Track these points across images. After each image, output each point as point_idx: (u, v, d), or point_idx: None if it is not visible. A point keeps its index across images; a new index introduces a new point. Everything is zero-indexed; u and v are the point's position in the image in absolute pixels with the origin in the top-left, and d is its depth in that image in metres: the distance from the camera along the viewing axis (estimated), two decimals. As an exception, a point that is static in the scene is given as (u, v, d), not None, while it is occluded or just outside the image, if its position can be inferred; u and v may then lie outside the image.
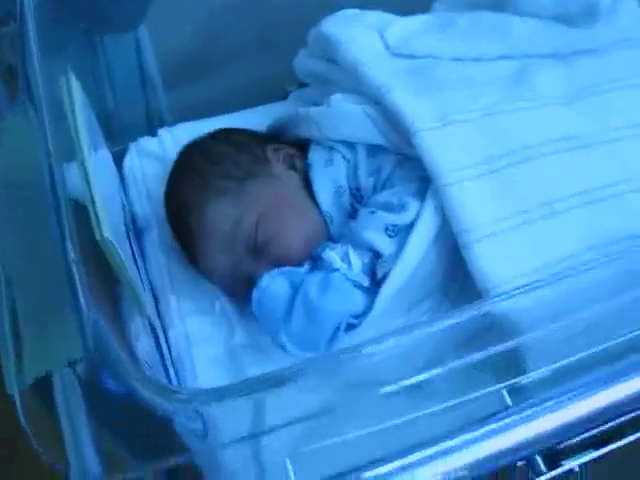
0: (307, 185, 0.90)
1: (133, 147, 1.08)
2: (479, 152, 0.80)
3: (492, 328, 0.69)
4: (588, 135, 0.84)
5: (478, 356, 0.65)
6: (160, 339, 0.83)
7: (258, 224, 0.84)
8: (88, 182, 0.68)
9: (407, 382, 0.63)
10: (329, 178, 0.88)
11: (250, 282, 0.82)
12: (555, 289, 0.68)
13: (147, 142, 1.09)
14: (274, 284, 0.81)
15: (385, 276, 0.78)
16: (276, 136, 0.97)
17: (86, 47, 1.06)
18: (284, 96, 1.12)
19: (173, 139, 1.06)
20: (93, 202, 0.67)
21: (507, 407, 0.67)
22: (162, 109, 1.16)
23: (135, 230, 1.00)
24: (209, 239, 0.87)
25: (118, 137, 1.12)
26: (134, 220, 1.01)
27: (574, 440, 0.83)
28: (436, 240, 0.79)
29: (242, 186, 0.87)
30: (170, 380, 0.79)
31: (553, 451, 0.83)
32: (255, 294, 0.81)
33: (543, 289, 0.67)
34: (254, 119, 1.04)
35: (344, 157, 0.88)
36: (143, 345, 0.76)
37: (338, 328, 0.78)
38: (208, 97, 1.13)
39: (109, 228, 0.66)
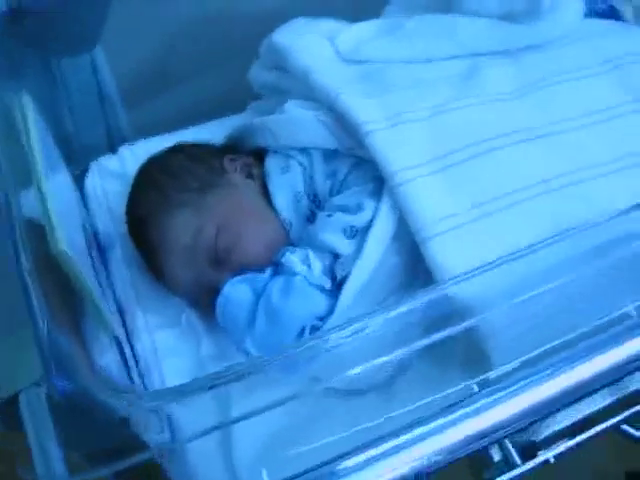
0: (265, 193, 0.90)
1: (94, 166, 1.08)
2: (430, 150, 0.81)
3: (454, 317, 0.69)
4: (539, 127, 0.85)
5: (438, 336, 0.64)
6: (126, 353, 0.82)
7: (218, 233, 0.85)
8: (43, 199, 0.68)
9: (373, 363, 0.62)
10: (286, 185, 0.88)
11: (214, 292, 0.82)
12: (512, 269, 0.69)
13: (107, 160, 1.09)
14: (236, 291, 0.81)
15: (346, 277, 0.78)
16: (233, 147, 0.97)
17: (42, 69, 1.06)
18: (244, 109, 1.13)
19: (133, 156, 1.06)
20: (49, 217, 0.67)
21: (474, 393, 0.67)
22: (123, 128, 1.16)
23: (99, 248, 1.00)
24: (171, 252, 0.87)
25: (80, 158, 1.12)
26: (97, 238, 1.01)
27: (549, 431, 0.84)
28: (394, 239, 0.79)
29: (201, 197, 0.87)
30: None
31: (529, 443, 0.83)
32: (218, 302, 0.81)
33: (498, 269, 0.68)
34: (213, 132, 1.04)
35: (300, 163, 0.88)
36: (108, 360, 0.76)
37: (302, 331, 0.78)
38: (168, 113, 1.13)
39: (65, 242, 0.66)
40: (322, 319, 0.79)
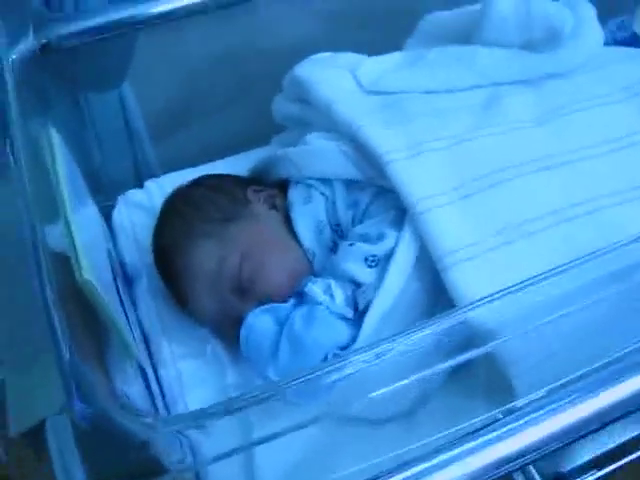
0: (289, 223, 0.90)
1: (121, 199, 1.09)
2: (451, 178, 0.81)
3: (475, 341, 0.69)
4: (557, 155, 0.85)
5: (459, 359, 0.64)
6: (151, 383, 0.83)
7: (242, 263, 0.85)
8: (69, 229, 0.69)
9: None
10: (309, 215, 0.89)
11: (239, 322, 0.83)
12: (532, 295, 0.68)
13: (134, 194, 1.10)
14: (259, 321, 0.81)
15: (367, 306, 0.78)
16: (257, 179, 0.98)
17: (71, 104, 1.08)
18: (268, 143, 1.14)
19: (159, 189, 1.08)
20: (74, 247, 0.68)
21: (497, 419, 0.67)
22: (150, 162, 1.18)
23: (126, 279, 1.01)
24: (195, 280, 0.87)
25: (108, 191, 1.14)
26: (124, 269, 1.02)
27: (577, 462, 0.82)
28: (416, 267, 0.79)
29: (225, 228, 0.88)
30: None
31: (556, 474, 0.82)
32: (242, 332, 0.82)
33: (518, 294, 0.67)
34: (238, 166, 1.05)
35: (322, 193, 0.89)
36: (133, 390, 0.77)
37: (325, 360, 0.78)
38: (194, 147, 1.14)
39: (90, 271, 0.67)
40: (344, 348, 0.78)
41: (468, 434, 0.63)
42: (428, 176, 0.81)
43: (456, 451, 0.62)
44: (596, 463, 0.81)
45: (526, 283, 0.68)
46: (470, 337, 0.66)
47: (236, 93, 1.16)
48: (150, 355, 0.93)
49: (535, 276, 0.66)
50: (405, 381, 0.59)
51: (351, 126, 0.85)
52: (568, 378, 0.69)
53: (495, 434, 0.63)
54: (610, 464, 0.81)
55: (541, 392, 0.69)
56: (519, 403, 0.69)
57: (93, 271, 0.68)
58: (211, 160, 1.13)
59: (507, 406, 0.68)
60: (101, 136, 1.14)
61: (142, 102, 1.15)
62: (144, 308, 0.97)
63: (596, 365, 0.69)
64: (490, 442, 0.62)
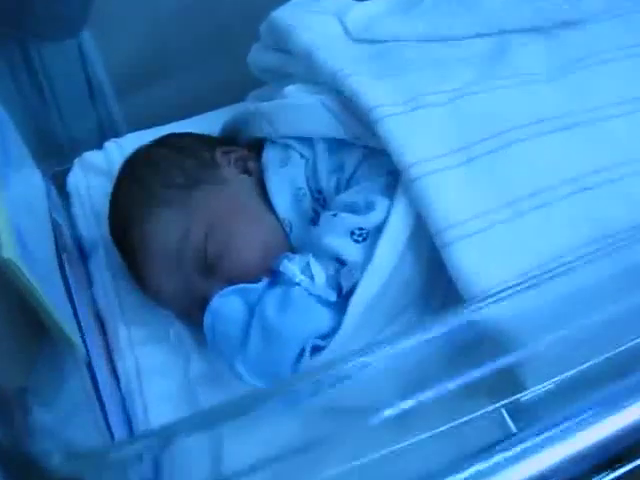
0: (262, 190, 0.76)
1: (77, 162, 0.94)
2: (453, 138, 0.67)
3: (481, 341, 0.56)
4: (575, 114, 0.71)
5: (472, 375, 0.53)
6: (100, 375, 0.69)
7: (208, 236, 0.71)
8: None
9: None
10: (286, 180, 0.74)
11: (204, 305, 0.69)
12: (550, 287, 0.56)
13: (92, 156, 0.95)
14: (227, 304, 0.67)
15: (353, 288, 0.64)
16: (229, 139, 0.84)
17: (21, 58, 0.93)
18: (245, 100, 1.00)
19: (120, 150, 0.92)
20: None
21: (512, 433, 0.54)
22: (115, 121, 1.03)
23: (81, 253, 0.87)
24: (154, 257, 0.73)
25: (68, 155, 0.99)
26: (80, 243, 0.87)
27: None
28: (410, 243, 0.65)
29: (188, 195, 0.74)
30: (108, 423, 0.65)
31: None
32: (206, 317, 0.68)
33: (536, 289, 0.55)
34: (211, 125, 0.90)
35: (301, 155, 0.74)
36: (74, 387, 0.63)
37: (302, 352, 0.64)
38: (163, 104, 0.99)
39: (14, 248, 0.53)
40: (325, 338, 0.65)
41: (479, 452, 0.51)
42: (426, 135, 0.66)
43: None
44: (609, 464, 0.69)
45: (545, 275, 0.55)
46: (478, 337, 0.53)
47: (210, 43, 1.01)
48: (106, 341, 0.79)
49: (561, 262, 0.53)
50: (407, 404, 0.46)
51: (336, 75, 0.70)
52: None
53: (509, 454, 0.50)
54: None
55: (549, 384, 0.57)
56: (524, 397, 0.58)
57: (19, 248, 0.54)
58: (182, 118, 0.98)
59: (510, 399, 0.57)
60: (58, 92, 0.99)
61: (105, 53, 1.00)
62: (100, 286, 0.83)
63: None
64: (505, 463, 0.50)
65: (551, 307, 0.56)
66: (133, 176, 0.78)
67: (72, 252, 0.82)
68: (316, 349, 0.64)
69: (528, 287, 0.56)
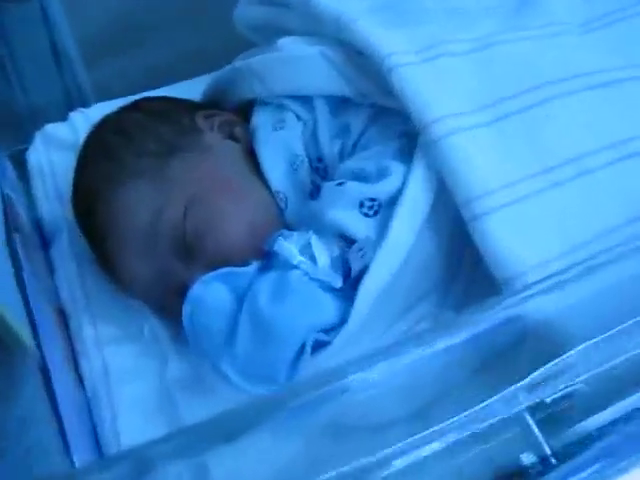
0: (252, 158, 0.64)
1: (39, 136, 0.82)
2: (480, 92, 0.57)
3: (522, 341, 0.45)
4: (614, 70, 0.61)
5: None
6: (57, 385, 0.57)
7: (187, 213, 0.59)
8: None
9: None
10: (280, 145, 0.62)
11: (182, 294, 0.57)
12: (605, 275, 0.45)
13: (55, 128, 0.82)
14: (210, 293, 0.55)
15: (364, 271, 0.53)
16: (212, 104, 0.71)
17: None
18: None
19: (87, 122, 0.78)
20: None
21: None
22: (83, 91, 0.90)
23: (43, 238, 0.75)
24: (123, 238, 0.61)
25: (30, 131, 0.87)
26: (41, 226, 0.75)
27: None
28: (431, 216, 0.54)
29: (164, 164, 0.61)
30: (65, 440, 0.53)
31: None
32: (185, 309, 0.56)
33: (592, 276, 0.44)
34: (190, 93, 0.77)
35: (298, 117, 0.63)
36: (28, 394, 0.51)
37: (302, 349, 0.53)
38: (138, 72, 0.87)
39: None
40: (329, 331, 0.53)
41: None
42: (449, 87, 0.56)
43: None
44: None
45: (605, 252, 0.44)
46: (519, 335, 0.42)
47: (184, 10, 0.89)
48: (69, 340, 0.67)
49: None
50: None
51: (340, 19, 0.59)
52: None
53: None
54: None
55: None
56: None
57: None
58: (155, 88, 0.85)
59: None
60: (18, 59, 0.87)
61: (72, 17, 0.87)
62: (63, 276, 0.70)
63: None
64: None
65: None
66: (99, 145, 0.66)
67: (31, 237, 0.70)
68: (318, 345, 0.53)
69: (582, 273, 0.45)
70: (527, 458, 0.51)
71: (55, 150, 0.80)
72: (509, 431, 0.47)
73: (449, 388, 0.43)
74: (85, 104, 0.89)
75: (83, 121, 0.80)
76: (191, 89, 0.80)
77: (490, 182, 0.52)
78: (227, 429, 0.38)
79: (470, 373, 0.44)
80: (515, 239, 0.51)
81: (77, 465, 0.52)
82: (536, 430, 0.48)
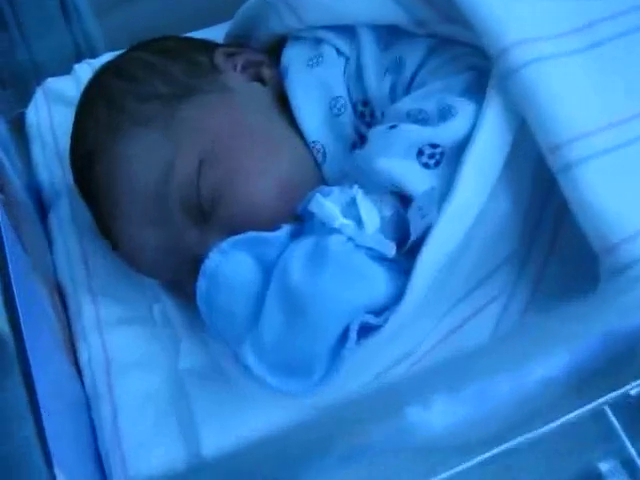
0: (283, 103, 0.53)
1: (39, 92, 0.71)
2: (568, 12, 0.44)
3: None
4: None
5: None
6: (41, 371, 0.46)
7: (201, 168, 0.48)
8: None
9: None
10: (317, 86, 0.51)
11: (199, 265, 0.46)
12: None
13: (57, 82, 0.71)
14: (230, 264, 0.44)
15: (424, 237, 0.41)
16: (237, 45, 0.60)
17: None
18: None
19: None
20: None
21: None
22: (95, 44, 0.80)
23: (41, 206, 0.64)
24: (127, 201, 0.50)
25: (34, 88, 0.76)
26: (40, 192, 0.65)
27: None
28: (509, 167, 0.42)
29: (174, 110, 0.50)
30: (46, 452, 0.42)
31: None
32: (200, 284, 0.45)
33: None
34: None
35: (339, 52, 0.51)
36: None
37: (345, 334, 0.41)
38: (153, 20, 0.76)
39: None
40: (380, 313, 0.42)
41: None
42: (531, 4, 0.43)
43: None
44: None
45: None
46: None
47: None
48: (67, 318, 0.57)
49: None
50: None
51: None
52: None
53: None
54: None
55: None
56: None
57: None
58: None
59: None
60: (21, 13, 0.76)
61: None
62: (61, 248, 0.60)
63: None
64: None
65: None
66: (99, 90, 0.55)
67: (24, 205, 0.59)
68: (366, 329, 0.41)
69: None
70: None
71: (57, 107, 0.69)
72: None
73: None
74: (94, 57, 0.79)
75: (90, 74, 0.69)
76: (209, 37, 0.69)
77: (585, 122, 0.40)
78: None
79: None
80: (619, 194, 0.39)
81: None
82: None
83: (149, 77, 0.52)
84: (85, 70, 0.70)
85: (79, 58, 0.80)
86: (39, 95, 0.71)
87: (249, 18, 0.58)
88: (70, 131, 0.61)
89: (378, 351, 0.42)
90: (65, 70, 0.78)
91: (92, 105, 0.55)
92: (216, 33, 0.66)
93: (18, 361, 0.43)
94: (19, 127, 0.75)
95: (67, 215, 0.62)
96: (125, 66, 0.55)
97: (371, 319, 0.41)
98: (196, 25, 0.75)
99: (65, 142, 0.65)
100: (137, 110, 0.51)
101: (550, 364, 0.30)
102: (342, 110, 0.50)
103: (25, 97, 0.78)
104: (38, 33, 0.79)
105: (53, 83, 0.71)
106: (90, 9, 0.79)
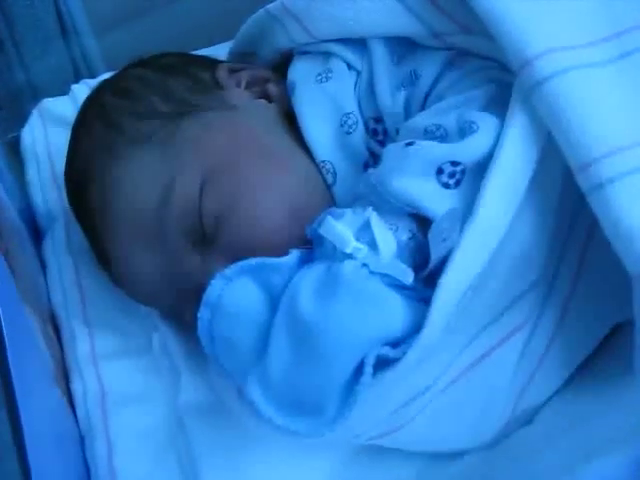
0: (290, 121, 0.50)
1: (35, 114, 0.68)
2: (598, 19, 0.41)
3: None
4: None
5: None
6: (28, 404, 0.42)
7: (204, 190, 0.45)
8: None
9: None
10: (326, 102, 0.48)
11: (199, 294, 0.42)
12: None
13: (54, 103, 0.69)
14: (235, 292, 0.40)
15: (444, 263, 0.38)
16: (241, 62, 0.57)
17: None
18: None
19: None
20: None
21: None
22: (94, 64, 0.78)
23: (36, 230, 0.61)
24: (124, 224, 0.47)
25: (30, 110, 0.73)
26: (34, 215, 0.62)
27: None
28: (534, 186, 0.39)
29: (175, 128, 0.47)
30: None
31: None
32: (202, 314, 0.41)
33: None
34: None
35: (349, 65, 0.48)
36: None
37: (359, 369, 0.37)
38: (152, 42, 0.74)
39: None
40: (398, 345, 0.38)
41: None
42: (557, 12, 0.40)
43: None
44: None
45: None
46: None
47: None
48: (61, 351, 0.53)
49: None
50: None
51: None
52: None
53: None
54: None
55: None
56: None
57: None
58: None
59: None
60: (19, 32, 0.74)
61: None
62: (55, 273, 0.57)
63: None
64: None
65: None
66: (96, 107, 0.52)
67: (17, 229, 0.56)
68: (383, 363, 0.38)
69: None
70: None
71: (54, 128, 0.67)
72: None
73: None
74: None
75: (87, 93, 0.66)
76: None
77: (621, 135, 0.37)
78: None
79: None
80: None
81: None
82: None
83: (148, 94, 0.49)
84: (83, 91, 0.68)
85: (77, 78, 0.78)
86: (35, 116, 0.69)
87: (253, 35, 0.55)
88: (65, 153, 0.59)
89: (394, 386, 0.39)
90: (63, 91, 0.76)
91: (88, 123, 0.52)
92: (218, 52, 0.64)
93: (4, 394, 0.39)
94: (15, 149, 0.72)
95: (62, 239, 0.59)
96: (123, 83, 0.52)
97: (388, 351, 0.38)
98: (197, 44, 0.74)
99: (61, 164, 0.62)
100: (135, 128, 0.47)
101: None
102: (353, 127, 0.47)
103: (22, 119, 0.76)
104: (36, 53, 0.77)
105: (50, 104, 0.69)
106: (89, 28, 0.77)
